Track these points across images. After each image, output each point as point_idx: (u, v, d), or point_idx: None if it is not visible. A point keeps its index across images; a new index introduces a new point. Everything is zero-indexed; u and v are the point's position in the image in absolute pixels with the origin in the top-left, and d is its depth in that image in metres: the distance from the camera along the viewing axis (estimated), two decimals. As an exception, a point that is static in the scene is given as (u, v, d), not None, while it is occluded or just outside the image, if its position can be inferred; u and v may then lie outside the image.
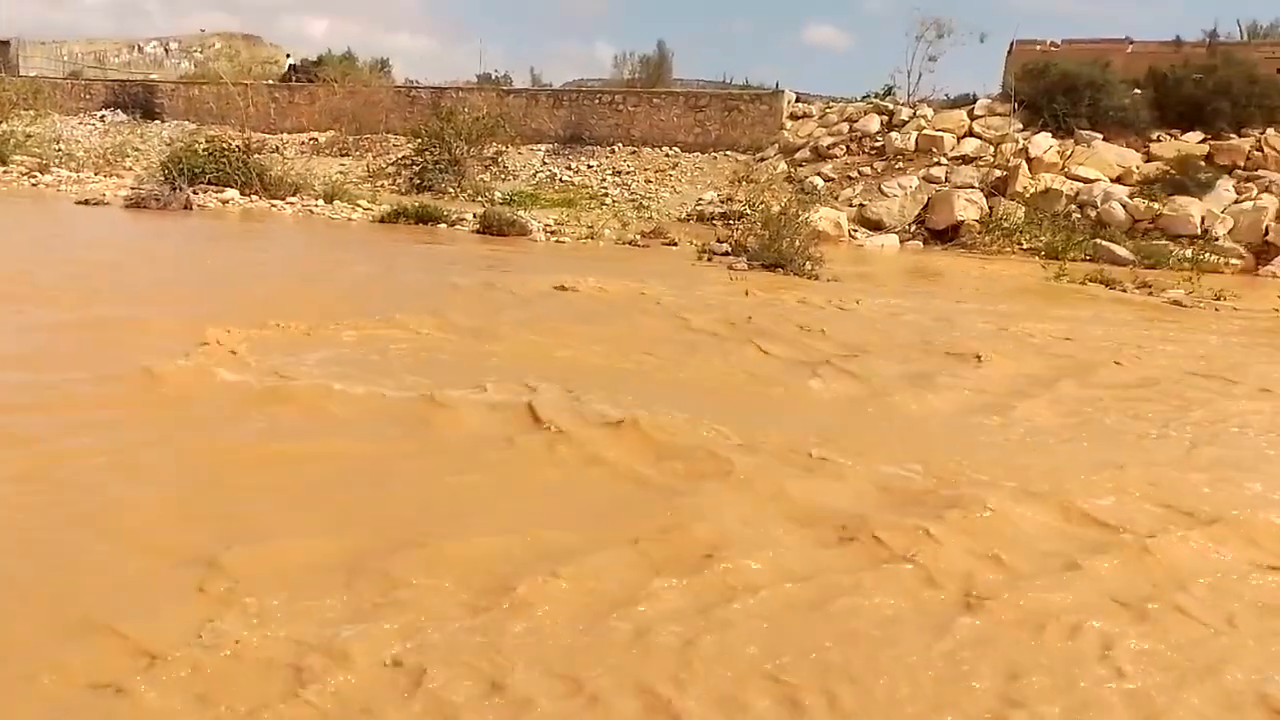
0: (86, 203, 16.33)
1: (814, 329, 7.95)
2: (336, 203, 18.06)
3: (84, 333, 6.36)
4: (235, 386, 5.17)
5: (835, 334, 7.81)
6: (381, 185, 21.13)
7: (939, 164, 18.85)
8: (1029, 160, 18.21)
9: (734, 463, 4.37)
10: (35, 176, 19.78)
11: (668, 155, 22.05)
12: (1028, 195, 17.56)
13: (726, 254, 13.24)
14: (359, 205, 18.02)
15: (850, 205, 18.43)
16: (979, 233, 17.07)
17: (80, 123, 26.88)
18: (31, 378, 5.18)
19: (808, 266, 12.04)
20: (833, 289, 10.80)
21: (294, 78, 29.38)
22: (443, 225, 16.15)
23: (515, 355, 6.36)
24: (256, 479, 3.99)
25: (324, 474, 4.09)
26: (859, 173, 19.36)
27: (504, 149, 22.19)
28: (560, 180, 21.44)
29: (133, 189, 17.30)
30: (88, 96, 28.73)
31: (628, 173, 21.48)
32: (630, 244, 15.31)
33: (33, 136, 23.65)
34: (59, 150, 23.08)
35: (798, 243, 12.38)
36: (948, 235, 17.35)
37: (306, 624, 2.86)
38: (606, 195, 20.37)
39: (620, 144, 22.73)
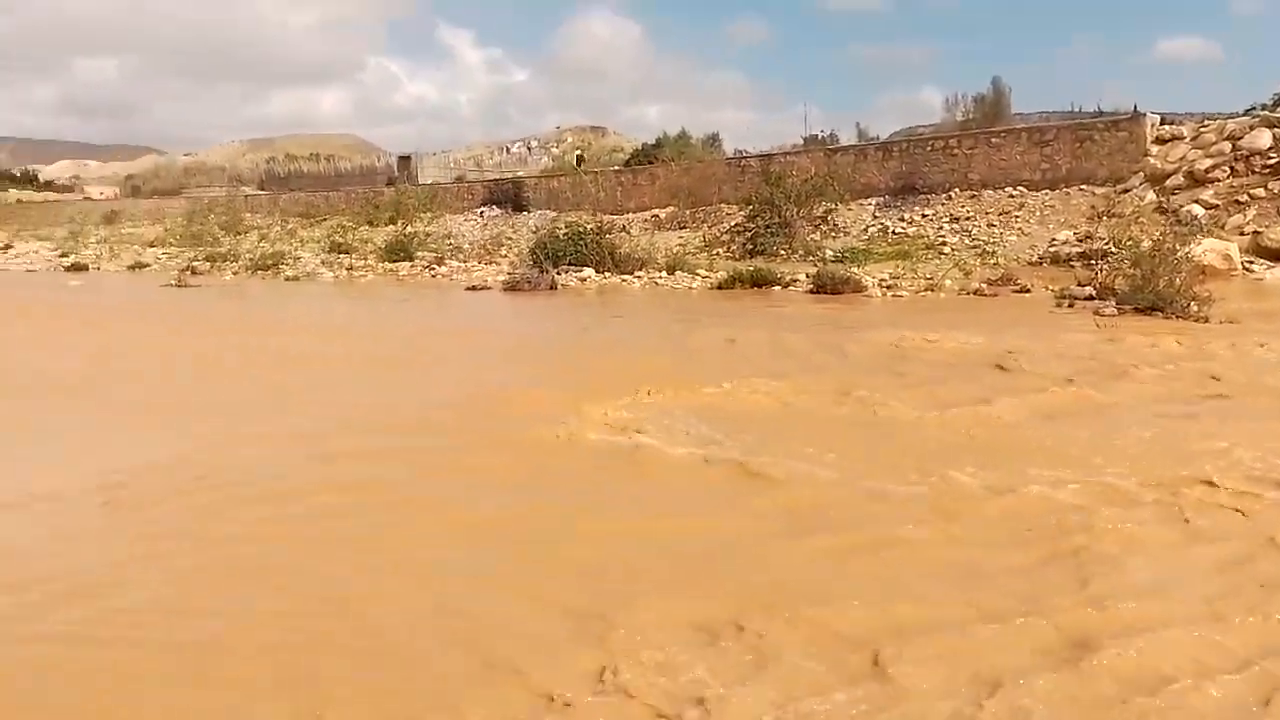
0: (473, 288, 18.88)
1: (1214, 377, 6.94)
2: (678, 273, 19.14)
3: (471, 403, 7.25)
4: (606, 450, 5.60)
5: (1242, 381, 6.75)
6: (717, 253, 22.05)
7: (1359, 176, 15.79)
8: None
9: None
10: (434, 268, 23.26)
11: (1011, 196, 20.70)
12: None
13: (1090, 298, 12.07)
14: (697, 274, 18.95)
15: (1241, 234, 15.99)
16: None
17: (465, 219, 31.19)
18: (433, 442, 5.99)
19: (1192, 307, 10.59)
20: (1228, 332, 9.38)
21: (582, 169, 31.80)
22: (777, 287, 16.46)
23: (888, 421, 6.24)
24: (630, 541, 4.27)
25: (693, 538, 4.27)
26: (1250, 196, 16.78)
27: (833, 207, 22.20)
28: (893, 233, 20.95)
29: (508, 274, 19.71)
30: (469, 196, 33.32)
31: (967, 218, 20.46)
32: (975, 293, 14.52)
33: (431, 234, 27.85)
34: (450, 244, 26.92)
35: (1177, 281, 10.96)
36: (1379, 259, 14.40)
37: (682, 676, 2.98)
38: (945, 244, 19.53)
39: (957, 189, 21.76)
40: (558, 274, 18.78)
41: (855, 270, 16.75)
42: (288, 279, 23.50)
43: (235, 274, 25.29)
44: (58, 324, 14.94)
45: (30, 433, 6.68)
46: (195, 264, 26.54)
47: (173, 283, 22.42)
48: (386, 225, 30.11)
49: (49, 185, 65.44)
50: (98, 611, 3.60)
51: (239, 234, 33.55)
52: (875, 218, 22.00)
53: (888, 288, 15.43)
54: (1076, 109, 28.30)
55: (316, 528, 4.49)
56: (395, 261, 24.56)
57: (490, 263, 23.66)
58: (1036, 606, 3.35)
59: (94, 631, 3.44)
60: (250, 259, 26.50)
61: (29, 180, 66.30)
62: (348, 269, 24.28)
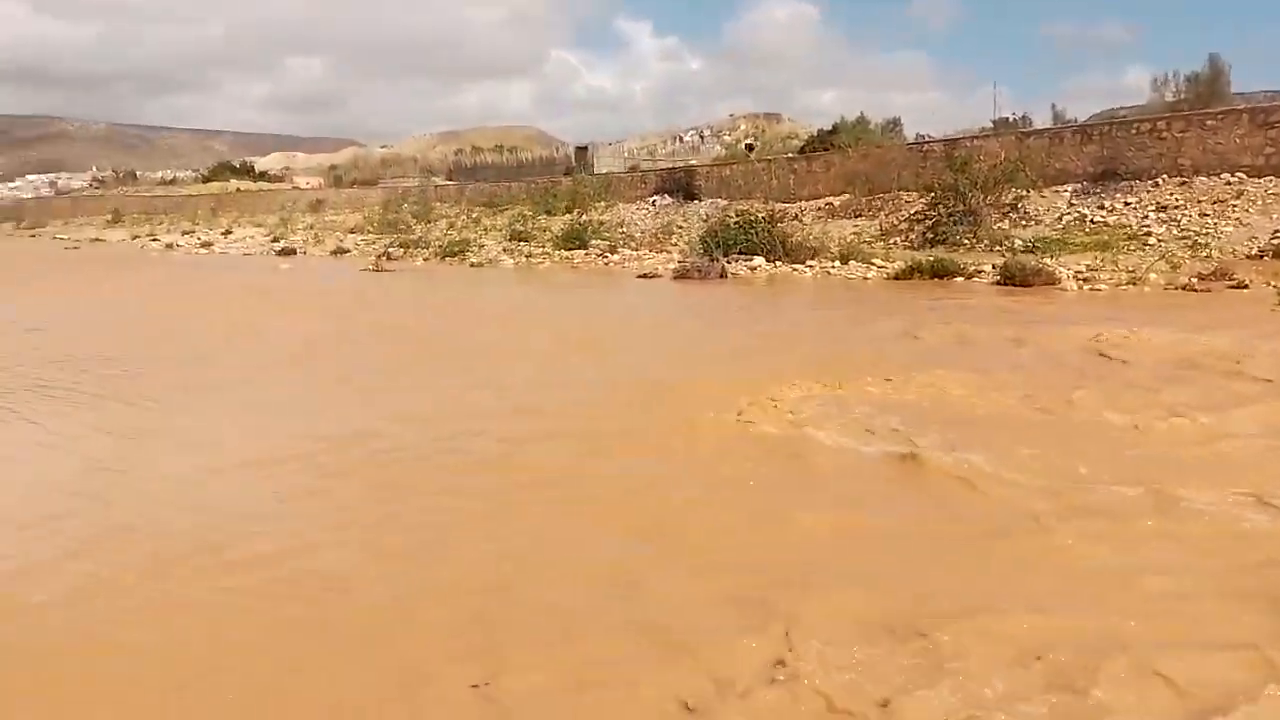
0: (645, 276, 19.17)
1: None
2: (852, 263, 18.67)
3: (641, 391, 7.36)
4: (779, 441, 5.57)
5: None
6: (894, 242, 21.34)
7: None
8: None
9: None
10: (607, 256, 23.80)
11: (1228, 183, 18.82)
12: None
13: (1321, 295, 10.83)
14: (873, 264, 18.41)
15: None
16: None
17: (637, 208, 31.67)
18: (603, 427, 6.14)
19: None
20: None
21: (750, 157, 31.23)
22: (959, 279, 15.76)
23: (1062, 425, 5.90)
24: (802, 531, 4.24)
25: (863, 534, 4.19)
26: None
27: (1024, 193, 20.96)
28: (1091, 222, 19.54)
29: (679, 263, 19.87)
30: (642, 185, 33.79)
31: (1175, 207, 18.80)
32: (1183, 288, 13.34)
33: (605, 223, 28.48)
34: (623, 233, 27.44)
35: None
36: None
37: (860, 675, 2.94)
38: (1149, 234, 18.03)
39: (1164, 175, 20.01)
40: (727, 263, 18.76)
41: (1048, 261, 15.76)
42: (472, 265, 24.69)
43: (425, 260, 26.82)
44: (286, 301, 16.38)
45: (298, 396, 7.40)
46: (390, 250, 28.37)
47: (370, 267, 24.09)
48: (563, 214, 31.04)
49: (263, 175, 71.49)
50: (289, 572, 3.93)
51: (429, 222, 35.52)
52: (1071, 205, 20.60)
53: (1084, 280, 14.43)
54: (1311, 84, 25.33)
55: (501, 501, 4.73)
56: (570, 249, 25.29)
57: (661, 251, 23.92)
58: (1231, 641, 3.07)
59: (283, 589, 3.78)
60: (439, 246, 28.03)
61: (246, 171, 72.72)
62: (526, 256, 25.24)
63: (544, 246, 26.56)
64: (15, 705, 3.00)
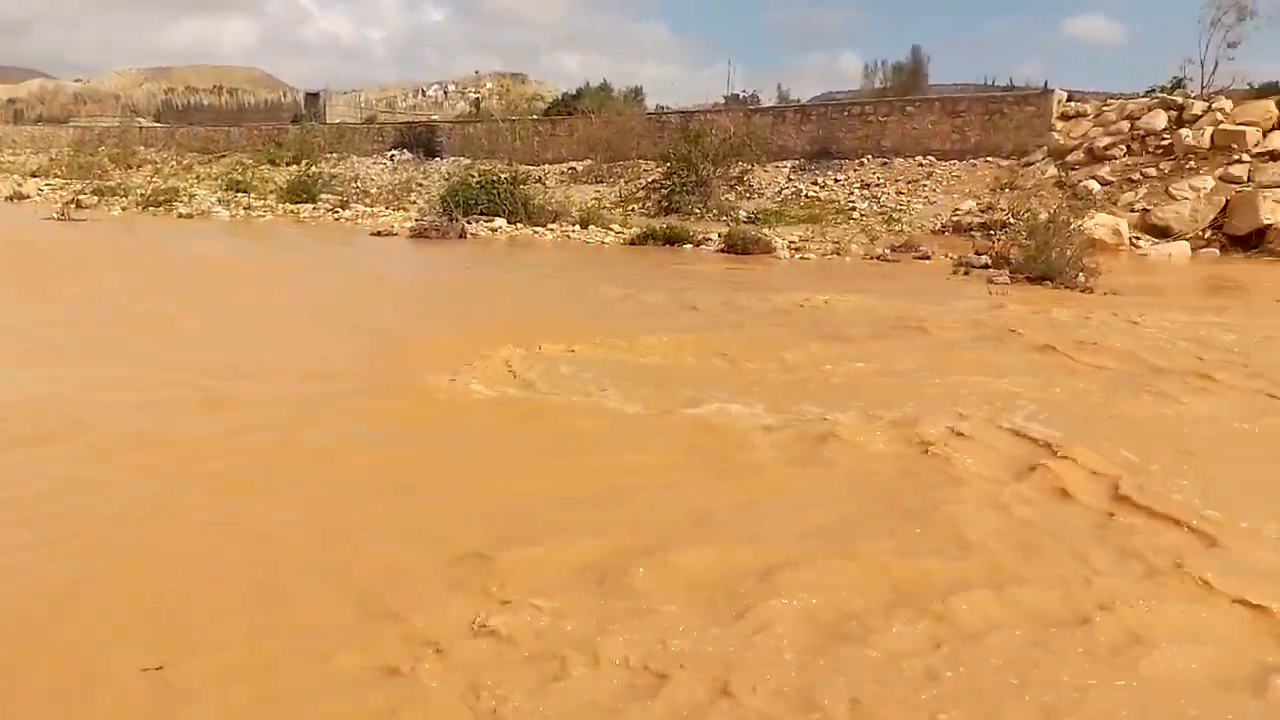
0: (379, 234, 18.33)
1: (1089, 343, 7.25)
2: (591, 228, 18.98)
3: (368, 350, 7.06)
4: (498, 402, 5.52)
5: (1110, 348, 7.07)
6: (632, 209, 21.94)
7: (1240, 161, 16.67)
8: (1360, 151, 15.65)
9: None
10: (338, 212, 22.49)
11: (921, 165, 21.17)
12: (1358, 192, 15.08)
13: (985, 267, 12.47)
14: (611, 229, 18.83)
15: (1132, 210, 16.73)
16: (1292, 237, 14.88)
17: (374, 162, 30.21)
18: (321, 388, 5.81)
19: (1080, 278, 11.05)
20: (1109, 303, 9.82)
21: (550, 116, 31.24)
22: (689, 246, 16.50)
23: (760, 376, 6.32)
24: (516, 484, 4.22)
25: (579, 481, 4.26)
26: (1142, 175, 17.54)
27: (750, 168, 22.31)
28: (806, 196, 21.21)
29: (416, 221, 19.20)
30: (380, 139, 32.26)
31: (877, 185, 20.85)
32: (879, 259, 14.83)
33: (336, 176, 26.89)
34: (357, 188, 26.06)
35: (1069, 252, 11.40)
36: (1251, 241, 15.27)
37: (565, 621, 2.97)
38: (854, 209, 19.88)
39: (870, 156, 22.13)
40: (468, 223, 18.40)
41: (766, 232, 16.90)
42: (180, 216, 22.37)
43: (125, 209, 23.93)
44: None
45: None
46: (81, 197, 24.99)
47: (55, 215, 21.09)
48: (290, 165, 28.93)
49: (-81, 105, 60.23)
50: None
51: (131, 168, 31.77)
52: (790, 180, 22.21)
53: (796, 250, 15.62)
54: (990, 82, 28.96)
55: (189, 470, 4.31)
56: (297, 203, 23.66)
57: (399, 208, 23.02)
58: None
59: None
60: (142, 194, 25.11)
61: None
62: (246, 209, 23.25)
63: (266, 199, 24.61)
64: None
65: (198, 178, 29.16)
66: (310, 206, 23.30)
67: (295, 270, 12.62)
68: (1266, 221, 15.20)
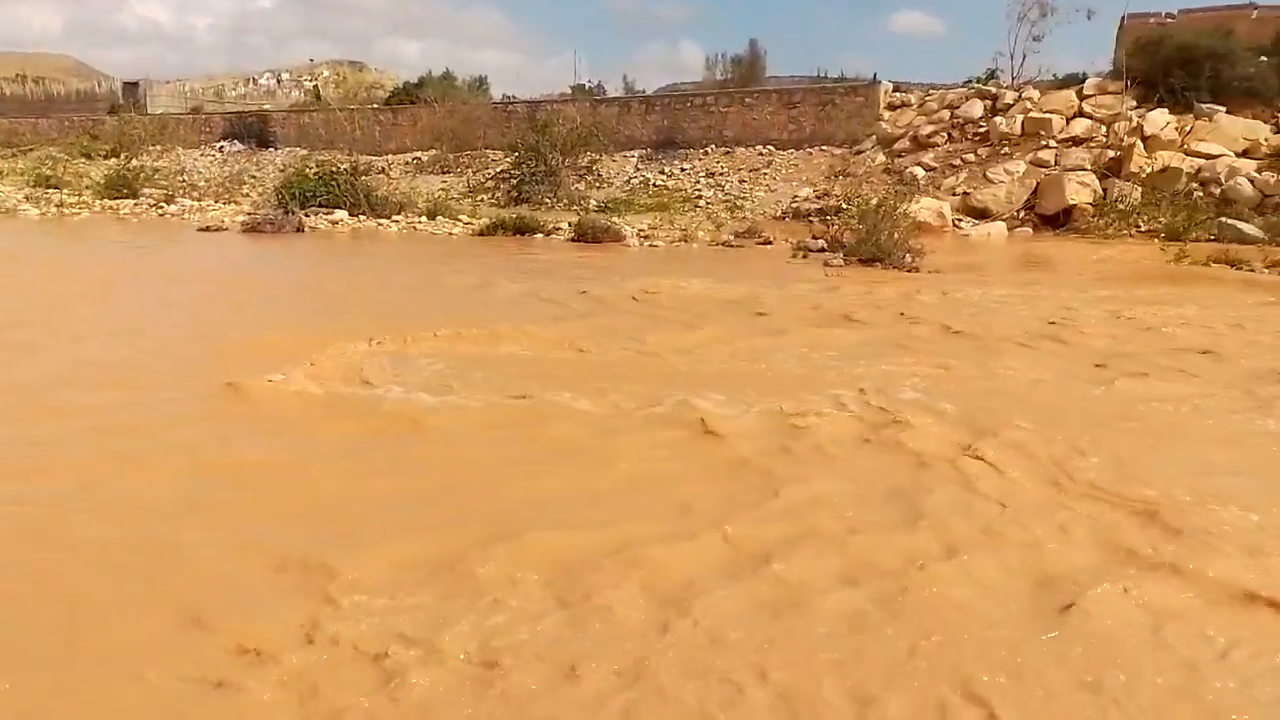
0: (207, 229, 17.30)
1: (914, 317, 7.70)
2: (439, 219, 18.58)
3: (187, 349, 6.68)
4: (328, 399, 5.34)
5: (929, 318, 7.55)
6: (481, 199, 21.63)
7: (1047, 147, 18.06)
8: (1144, 139, 17.23)
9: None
10: (162, 207, 21.08)
11: (761, 154, 21.86)
12: (1144, 175, 16.64)
13: (822, 250, 13.01)
14: (459, 220, 18.50)
15: (954, 194, 17.85)
16: (1093, 216, 16.26)
17: (201, 154, 28.49)
18: (129, 396, 5.46)
19: (907, 259, 11.70)
20: (932, 281, 10.46)
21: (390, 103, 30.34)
22: (539, 235, 16.42)
23: (612, 362, 6.38)
24: (351, 484, 4.11)
25: (414, 477, 4.18)
26: (962, 160, 18.73)
27: (598, 158, 22.40)
28: (654, 185, 21.50)
29: (249, 214, 18.24)
30: (208, 129, 30.44)
31: (721, 174, 21.38)
32: (724, 245, 15.22)
33: (160, 170, 25.20)
34: (183, 181, 24.51)
35: (896, 235, 12.06)
36: (1059, 220, 16.59)
37: (403, 620, 2.92)
38: (700, 198, 20.31)
39: (713, 146, 22.67)
40: (306, 216, 17.64)
41: (616, 220, 17.02)
42: (-19, 214, 20.43)
43: (-90, 209, 21.62)
44: None
45: None
46: None
47: None
48: (108, 158, 26.89)
49: None
50: None
51: (-81, 161, 28.70)
52: (638, 170, 22.46)
53: (645, 238, 15.82)
54: (823, 74, 30.08)
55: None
56: (117, 199, 22.04)
57: (230, 202, 21.80)
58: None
59: None
60: (-68, 191, 22.77)
61: None
62: (58, 206, 21.43)
63: (82, 195, 22.79)
64: None
65: (1, 173, 26.66)
66: (131, 202, 21.75)
67: (111, 271, 11.76)
68: (1071, 202, 16.54)
